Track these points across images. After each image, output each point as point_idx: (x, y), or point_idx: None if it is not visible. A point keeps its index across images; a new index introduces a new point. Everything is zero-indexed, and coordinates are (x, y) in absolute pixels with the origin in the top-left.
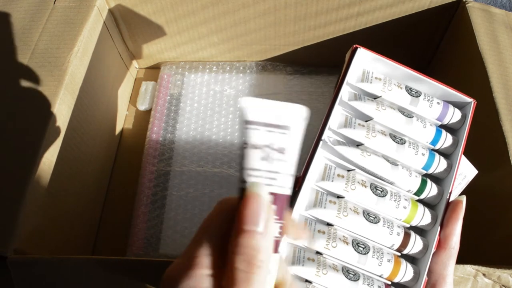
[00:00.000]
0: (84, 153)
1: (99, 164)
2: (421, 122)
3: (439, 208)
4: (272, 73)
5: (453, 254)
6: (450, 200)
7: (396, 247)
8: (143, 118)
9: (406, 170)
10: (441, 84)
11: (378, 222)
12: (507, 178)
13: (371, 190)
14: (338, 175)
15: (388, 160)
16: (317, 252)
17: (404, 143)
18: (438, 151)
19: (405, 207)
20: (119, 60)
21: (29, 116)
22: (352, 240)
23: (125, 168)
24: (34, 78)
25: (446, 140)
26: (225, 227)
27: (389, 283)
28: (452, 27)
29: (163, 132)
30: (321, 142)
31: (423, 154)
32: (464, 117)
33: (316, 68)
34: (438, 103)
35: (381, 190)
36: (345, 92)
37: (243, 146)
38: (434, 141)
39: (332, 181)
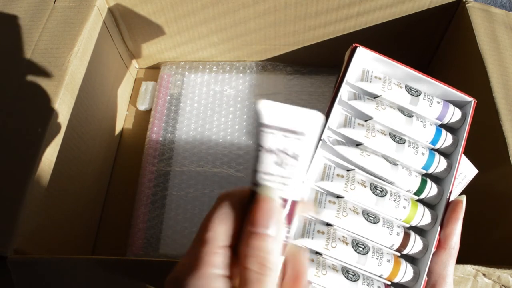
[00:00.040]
0: (84, 153)
1: (99, 164)
2: (421, 121)
3: (439, 208)
4: (272, 73)
5: (453, 254)
6: (450, 200)
7: (396, 247)
8: (143, 118)
9: (406, 170)
10: (441, 83)
11: (378, 222)
12: (507, 178)
13: (371, 190)
14: (338, 175)
15: (387, 160)
16: (317, 253)
17: (404, 142)
18: (438, 150)
19: (404, 207)
20: (119, 60)
21: (29, 116)
22: (352, 240)
23: (125, 168)
24: (34, 78)
25: (446, 139)
26: (230, 225)
27: (389, 283)
28: (452, 27)
29: (163, 132)
30: (320, 142)
31: (423, 154)
32: (464, 116)
33: (316, 68)
34: (438, 102)
35: (380, 190)
36: (344, 91)
37: (258, 149)
38: (434, 141)
39: (332, 181)
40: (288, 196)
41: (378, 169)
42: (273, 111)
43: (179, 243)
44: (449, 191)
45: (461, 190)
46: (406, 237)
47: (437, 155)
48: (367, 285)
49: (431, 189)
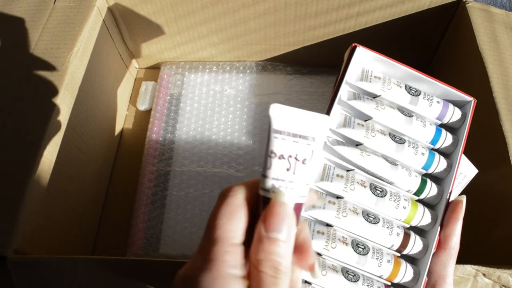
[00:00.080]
0: (84, 153)
1: (99, 164)
2: (421, 121)
3: (439, 208)
4: (272, 73)
5: (453, 254)
6: (450, 200)
7: (396, 247)
8: (143, 118)
9: (406, 170)
10: (441, 83)
11: (378, 222)
12: (507, 178)
13: (371, 190)
14: (337, 175)
15: (387, 160)
16: (317, 253)
17: (404, 142)
18: (438, 150)
19: (404, 207)
20: (119, 60)
21: (29, 116)
22: (352, 241)
23: (125, 168)
24: (34, 78)
25: (446, 139)
26: (239, 222)
27: (389, 283)
28: (452, 27)
29: (163, 132)
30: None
31: (422, 154)
32: (464, 116)
33: (316, 68)
34: (438, 102)
35: (380, 190)
36: (344, 91)
37: (269, 155)
38: (434, 141)
39: (331, 181)
40: (297, 199)
41: (378, 169)
42: (283, 116)
43: (179, 243)
44: (449, 191)
45: (461, 190)
46: (406, 237)
47: (437, 155)
48: (367, 285)
49: (431, 189)
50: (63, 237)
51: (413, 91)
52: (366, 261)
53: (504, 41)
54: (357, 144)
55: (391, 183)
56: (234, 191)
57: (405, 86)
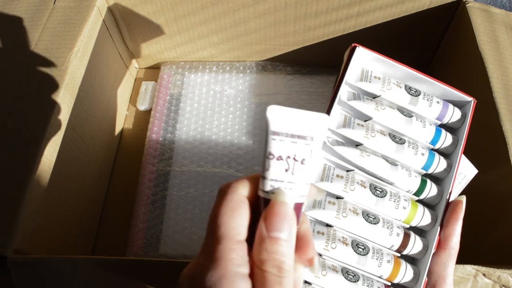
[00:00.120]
0: (84, 153)
1: (99, 164)
2: (421, 121)
3: (439, 208)
4: (272, 73)
5: (453, 254)
6: (450, 200)
7: (395, 247)
8: (143, 118)
9: (406, 170)
10: (441, 83)
11: (378, 222)
12: (507, 178)
13: (371, 190)
14: (337, 175)
15: (387, 160)
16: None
17: (404, 143)
18: (438, 150)
19: (404, 208)
20: (119, 60)
21: (29, 116)
22: (352, 241)
23: (125, 168)
24: (34, 78)
25: (446, 139)
26: (241, 219)
27: (389, 284)
28: (452, 27)
29: (163, 132)
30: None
31: (422, 154)
32: (464, 116)
33: (316, 68)
34: (437, 102)
35: (380, 190)
36: (344, 91)
37: (267, 156)
38: (434, 141)
39: (331, 181)
40: (296, 199)
41: (377, 169)
42: (281, 117)
43: (179, 243)
44: (449, 191)
45: (461, 190)
46: (406, 237)
47: (437, 155)
48: (367, 285)
49: (431, 190)
50: (63, 237)
51: (413, 91)
52: (366, 261)
53: (504, 41)
54: (357, 145)
55: (391, 184)
56: (233, 187)
57: (405, 86)
